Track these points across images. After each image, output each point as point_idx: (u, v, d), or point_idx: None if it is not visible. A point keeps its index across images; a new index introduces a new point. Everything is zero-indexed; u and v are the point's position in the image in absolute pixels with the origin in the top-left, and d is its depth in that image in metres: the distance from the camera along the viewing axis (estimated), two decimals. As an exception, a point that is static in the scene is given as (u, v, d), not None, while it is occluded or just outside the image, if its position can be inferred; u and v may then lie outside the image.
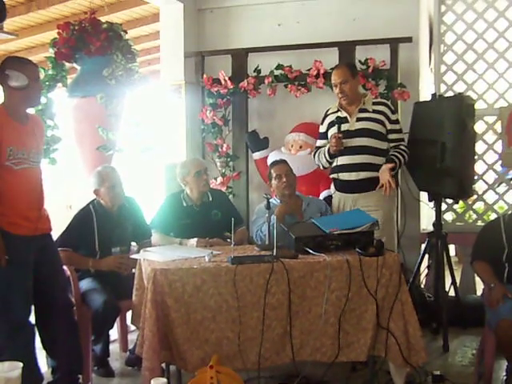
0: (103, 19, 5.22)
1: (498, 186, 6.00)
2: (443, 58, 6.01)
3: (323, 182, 5.33)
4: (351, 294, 3.72)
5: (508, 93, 5.93)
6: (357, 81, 4.81)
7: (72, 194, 7.85)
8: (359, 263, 3.72)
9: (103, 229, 4.54)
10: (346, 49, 5.66)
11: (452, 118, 4.62)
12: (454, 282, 5.29)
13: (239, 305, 3.64)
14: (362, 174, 4.63)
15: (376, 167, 4.61)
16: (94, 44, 4.94)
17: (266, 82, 5.79)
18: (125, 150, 5.20)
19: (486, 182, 6.01)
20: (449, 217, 6.14)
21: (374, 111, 4.68)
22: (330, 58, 5.64)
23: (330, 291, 3.71)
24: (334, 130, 4.67)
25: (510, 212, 4.73)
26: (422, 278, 5.60)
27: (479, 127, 5.89)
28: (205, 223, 4.69)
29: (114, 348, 4.95)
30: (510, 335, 4.04)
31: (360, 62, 5.52)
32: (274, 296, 3.68)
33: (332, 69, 4.98)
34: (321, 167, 4.91)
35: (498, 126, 5.90)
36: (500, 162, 5.92)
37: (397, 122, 4.77)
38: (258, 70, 5.86)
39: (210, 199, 4.82)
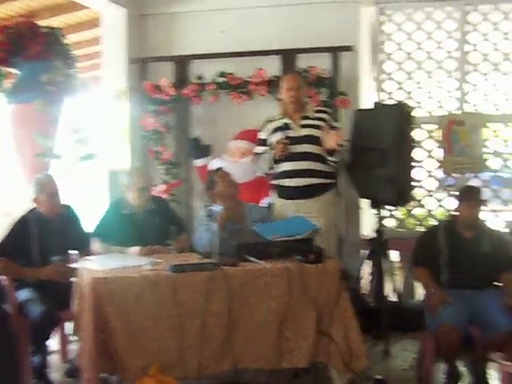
0: (43, 23, 5.13)
1: (442, 192, 6.12)
2: (383, 67, 6.10)
3: (265, 189, 5.33)
4: (292, 300, 3.74)
5: (446, 101, 6.06)
6: (306, 89, 4.89)
7: (10, 201, 7.67)
8: (299, 270, 3.74)
9: (42, 237, 4.46)
10: (289, 57, 5.69)
11: (391, 125, 4.67)
12: (395, 288, 5.34)
13: (180, 313, 3.63)
14: (306, 181, 4.65)
15: (319, 173, 4.67)
16: (32, 48, 4.84)
17: (209, 89, 5.78)
18: (64, 156, 5.12)
19: (426, 189, 6.12)
20: (391, 223, 6.22)
21: (317, 118, 4.73)
22: (273, 66, 5.67)
23: (270, 298, 3.73)
24: (278, 136, 4.68)
25: (448, 218, 4.81)
26: (367, 284, 5.64)
27: (419, 135, 6.00)
28: (146, 231, 4.63)
29: (55, 359, 4.86)
30: (449, 339, 4.13)
31: (302, 69, 5.55)
32: (215, 303, 3.67)
33: (276, 76, 5.02)
34: (261, 173, 4.92)
35: (439, 134, 6.02)
36: (440, 168, 6.04)
37: (338, 129, 4.82)
38: (200, 77, 5.85)
39: (152, 207, 4.77)
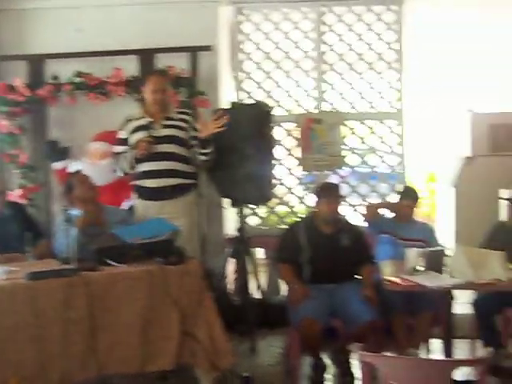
0: None
1: (303, 189, 6.26)
2: (243, 66, 6.17)
3: (126, 191, 5.25)
4: (154, 303, 3.71)
5: (305, 100, 6.22)
6: (170, 90, 4.87)
7: None
8: (161, 272, 3.71)
9: None
10: (147, 56, 5.63)
11: (250, 124, 4.72)
12: (259, 285, 5.41)
13: (39, 322, 3.51)
14: (167, 181, 4.61)
15: (181, 174, 4.64)
16: None
17: (65, 89, 5.62)
18: None
19: (287, 187, 6.25)
20: (254, 221, 6.29)
21: (179, 119, 4.71)
22: (131, 66, 5.59)
23: (132, 302, 3.69)
24: (140, 135, 4.61)
25: (308, 215, 4.92)
26: (231, 282, 5.68)
27: (279, 133, 6.12)
28: (2, 238, 4.45)
29: None
30: (311, 333, 4.25)
31: (161, 70, 5.50)
32: (76, 310, 3.58)
33: (134, 77, 4.94)
34: (121, 173, 4.83)
35: (298, 132, 6.15)
36: (299, 166, 6.18)
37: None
38: (56, 77, 5.67)
39: (8, 213, 4.59)
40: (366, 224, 5.13)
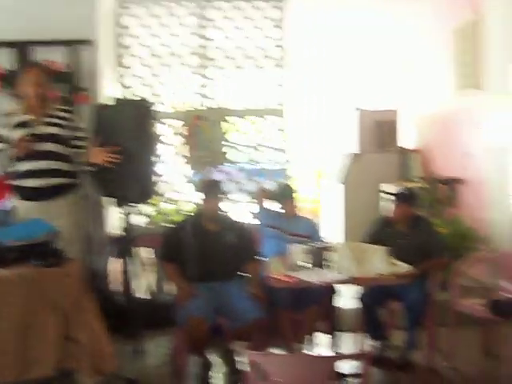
0: None
1: (189, 187, 6.22)
2: (125, 61, 6.06)
3: (3, 191, 5.03)
4: (32, 307, 3.57)
5: (189, 97, 6.19)
6: (50, 84, 4.68)
7: None
8: (38, 275, 3.59)
9: None
10: (23, 49, 5.42)
11: (131, 121, 4.60)
12: (146, 285, 5.33)
13: None
14: (48, 181, 4.46)
15: (63, 173, 4.51)
16: None
17: None
18: None
19: (174, 184, 6.19)
20: (141, 220, 6.19)
21: (60, 117, 4.56)
22: (6, 59, 5.39)
23: (9, 307, 3.53)
24: (20, 133, 4.42)
25: (195, 212, 4.89)
26: (117, 282, 5.56)
27: (164, 131, 6.05)
28: None
29: None
30: (197, 332, 4.23)
31: (39, 63, 5.30)
32: None
33: (9, 70, 4.73)
34: None
35: (183, 129, 6.10)
36: (186, 163, 6.13)
37: (81, 129, 4.69)
38: None
39: None
40: (255, 211, 5.17)
